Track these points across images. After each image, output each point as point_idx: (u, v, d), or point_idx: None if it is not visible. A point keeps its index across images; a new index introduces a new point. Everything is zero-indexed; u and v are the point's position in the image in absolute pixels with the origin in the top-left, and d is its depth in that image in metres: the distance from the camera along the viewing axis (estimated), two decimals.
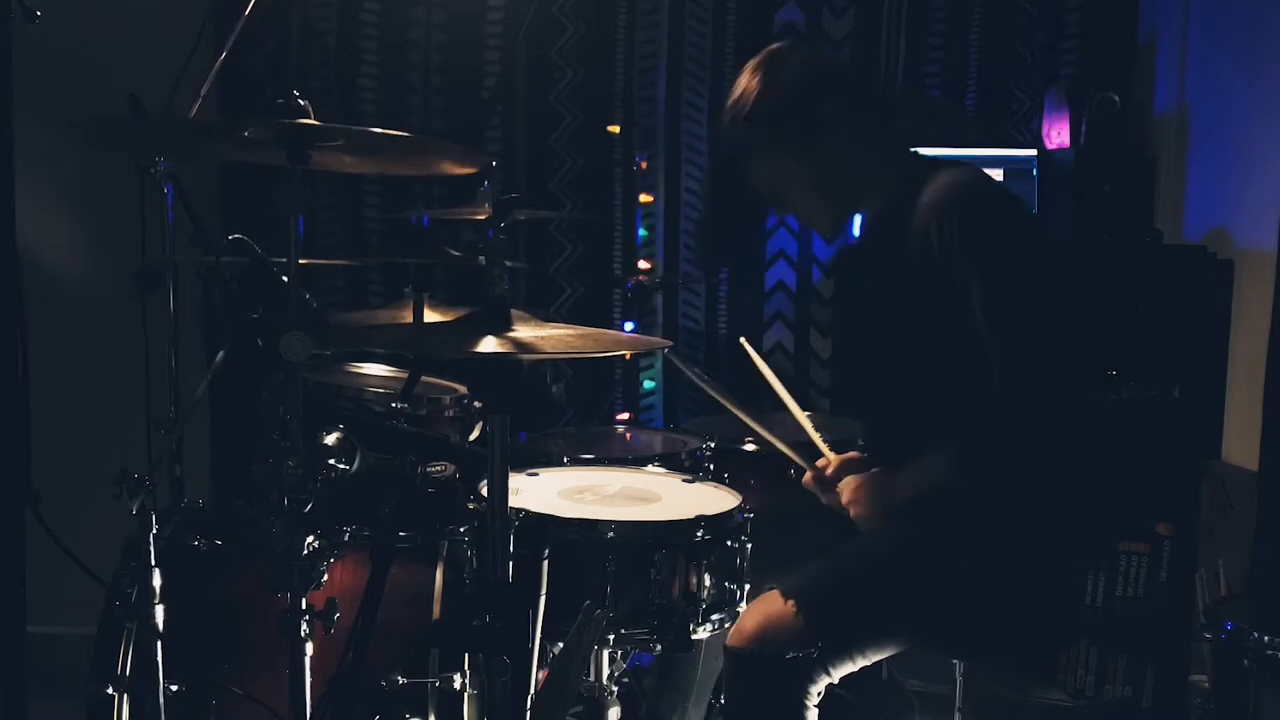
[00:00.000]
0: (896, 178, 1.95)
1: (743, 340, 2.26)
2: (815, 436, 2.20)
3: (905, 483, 1.93)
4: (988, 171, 1.99)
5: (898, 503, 1.93)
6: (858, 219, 2.15)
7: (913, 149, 2.03)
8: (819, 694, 1.82)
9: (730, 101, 1.99)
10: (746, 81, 1.96)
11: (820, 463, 2.12)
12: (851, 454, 2.10)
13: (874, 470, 2.00)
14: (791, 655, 1.78)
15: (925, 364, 1.95)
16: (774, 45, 2.02)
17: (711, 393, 2.18)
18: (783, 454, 2.16)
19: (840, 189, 1.99)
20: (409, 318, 2.33)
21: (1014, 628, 1.93)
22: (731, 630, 1.87)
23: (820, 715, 1.83)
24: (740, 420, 2.17)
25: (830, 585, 1.87)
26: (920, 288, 1.88)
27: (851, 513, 1.98)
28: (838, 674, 1.82)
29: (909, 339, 1.97)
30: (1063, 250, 1.91)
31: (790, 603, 1.82)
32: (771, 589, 1.87)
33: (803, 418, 2.23)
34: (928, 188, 1.87)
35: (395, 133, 1.59)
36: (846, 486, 2.00)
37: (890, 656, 1.89)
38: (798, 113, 1.93)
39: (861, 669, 1.86)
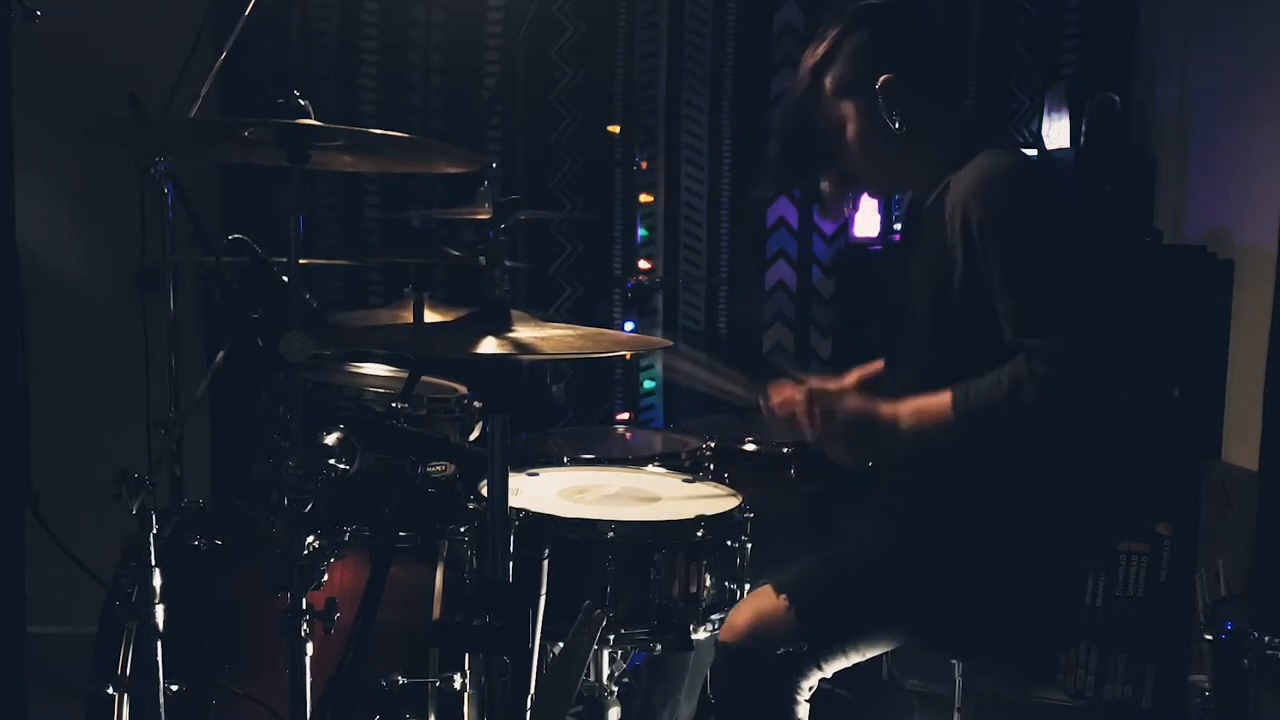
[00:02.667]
0: (948, 158, 1.90)
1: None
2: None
3: (901, 413, 1.82)
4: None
5: (879, 438, 1.82)
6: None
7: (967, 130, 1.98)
8: (810, 688, 1.82)
9: (820, 52, 1.94)
10: (841, 38, 1.92)
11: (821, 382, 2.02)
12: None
13: (864, 396, 1.92)
14: (783, 650, 1.79)
15: (945, 345, 1.92)
16: (890, 9, 1.95)
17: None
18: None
19: (903, 161, 1.95)
20: (409, 318, 2.33)
21: (1013, 627, 1.92)
22: (724, 625, 1.87)
23: (819, 715, 1.83)
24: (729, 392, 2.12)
25: (824, 580, 1.87)
26: (945, 268, 1.84)
27: (820, 434, 1.87)
28: (830, 669, 1.82)
29: (932, 318, 1.93)
30: (1097, 240, 1.85)
31: (783, 597, 1.82)
32: (765, 584, 1.88)
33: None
34: (965, 170, 1.84)
35: (395, 134, 1.59)
36: (826, 405, 1.88)
37: (889, 656, 1.89)
38: (884, 84, 1.89)
39: (858, 667, 1.86)
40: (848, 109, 1.93)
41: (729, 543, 1.92)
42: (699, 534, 1.88)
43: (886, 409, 1.84)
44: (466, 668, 1.91)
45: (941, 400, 1.78)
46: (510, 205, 1.57)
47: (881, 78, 1.89)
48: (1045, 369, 1.68)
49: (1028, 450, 1.86)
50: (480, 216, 2.55)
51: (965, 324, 1.83)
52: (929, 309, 1.88)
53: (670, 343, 1.77)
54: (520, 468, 2.18)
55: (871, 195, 2.06)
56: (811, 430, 1.89)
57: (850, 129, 1.94)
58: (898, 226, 3.27)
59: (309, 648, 1.61)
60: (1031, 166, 1.94)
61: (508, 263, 1.56)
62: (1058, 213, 1.83)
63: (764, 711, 1.82)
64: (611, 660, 2.01)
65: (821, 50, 1.95)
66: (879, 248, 3.33)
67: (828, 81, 1.94)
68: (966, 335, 1.83)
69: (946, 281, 1.83)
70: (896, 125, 1.89)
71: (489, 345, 1.48)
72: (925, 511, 1.90)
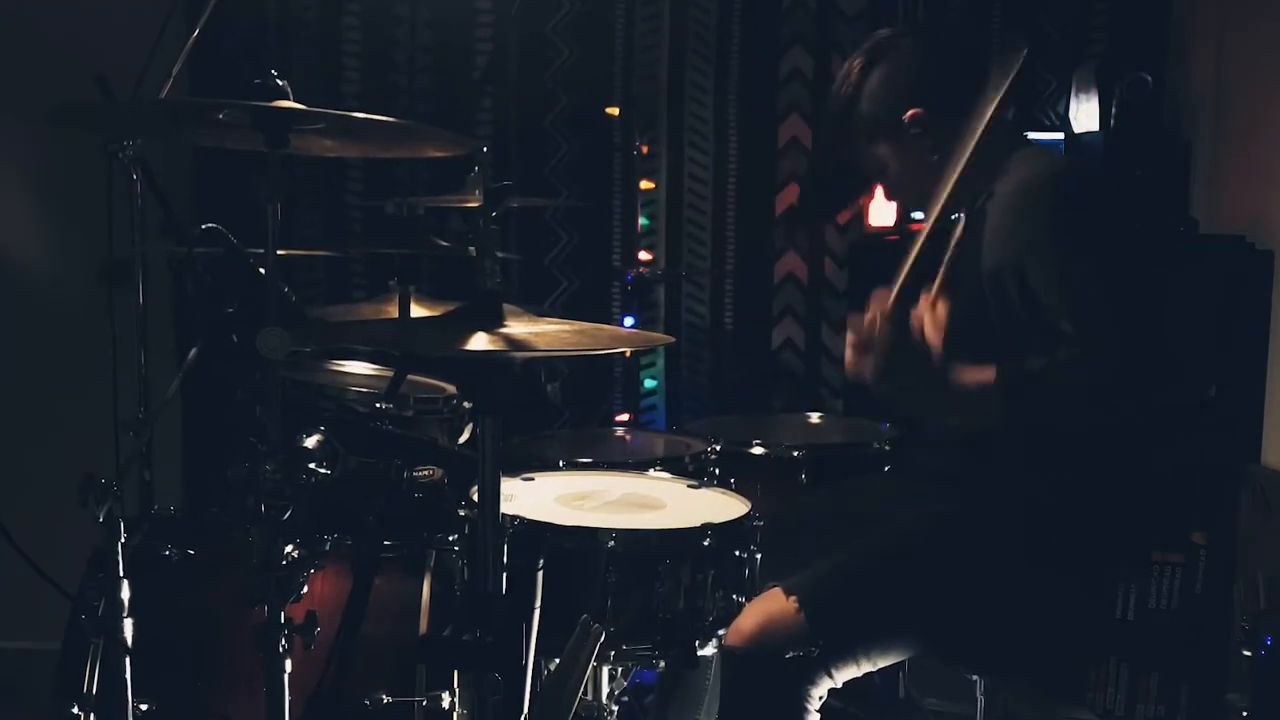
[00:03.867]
0: (992, 163, 1.95)
1: None
2: None
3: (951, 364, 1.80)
4: None
5: (927, 375, 1.81)
6: None
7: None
8: (820, 698, 1.82)
9: (842, 96, 2.02)
10: (860, 81, 1.99)
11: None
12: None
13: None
14: (791, 655, 1.79)
15: (974, 352, 1.94)
16: (903, 40, 2.03)
17: None
18: None
19: (948, 181, 1.98)
20: (394, 312, 2.33)
21: (1039, 641, 1.93)
22: (730, 629, 1.87)
23: None
24: None
25: (836, 582, 1.88)
26: (984, 278, 1.89)
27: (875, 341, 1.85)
28: (841, 677, 1.83)
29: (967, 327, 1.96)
30: (1131, 233, 1.89)
31: (792, 599, 1.83)
32: (774, 587, 1.88)
33: None
34: (1004, 181, 1.91)
35: (379, 117, 1.59)
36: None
37: (905, 673, 1.90)
38: (912, 119, 1.96)
39: (873, 684, 1.87)
40: (882, 149, 2.01)
41: (737, 553, 1.91)
42: (705, 543, 1.87)
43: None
44: (455, 686, 1.90)
45: (987, 369, 1.81)
46: (502, 191, 1.56)
47: (908, 113, 1.96)
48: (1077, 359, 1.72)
49: (1057, 455, 1.87)
50: (470, 204, 2.55)
51: (999, 333, 1.87)
52: (963, 317, 1.90)
53: (673, 339, 1.76)
54: (514, 472, 2.17)
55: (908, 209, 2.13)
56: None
57: (890, 166, 2.02)
58: (916, 216, 3.27)
59: (287, 664, 1.60)
60: (1067, 171, 1.97)
61: (499, 254, 1.56)
62: (1095, 218, 1.86)
63: (773, 716, 1.82)
64: (611, 678, 2.01)
65: (844, 94, 2.02)
66: (895, 238, 3.32)
67: (857, 126, 2.01)
68: (994, 345, 1.86)
69: (981, 290, 1.88)
70: (934, 158, 1.95)
71: (479, 342, 1.48)
72: (947, 517, 1.90)
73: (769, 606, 1.85)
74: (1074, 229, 1.83)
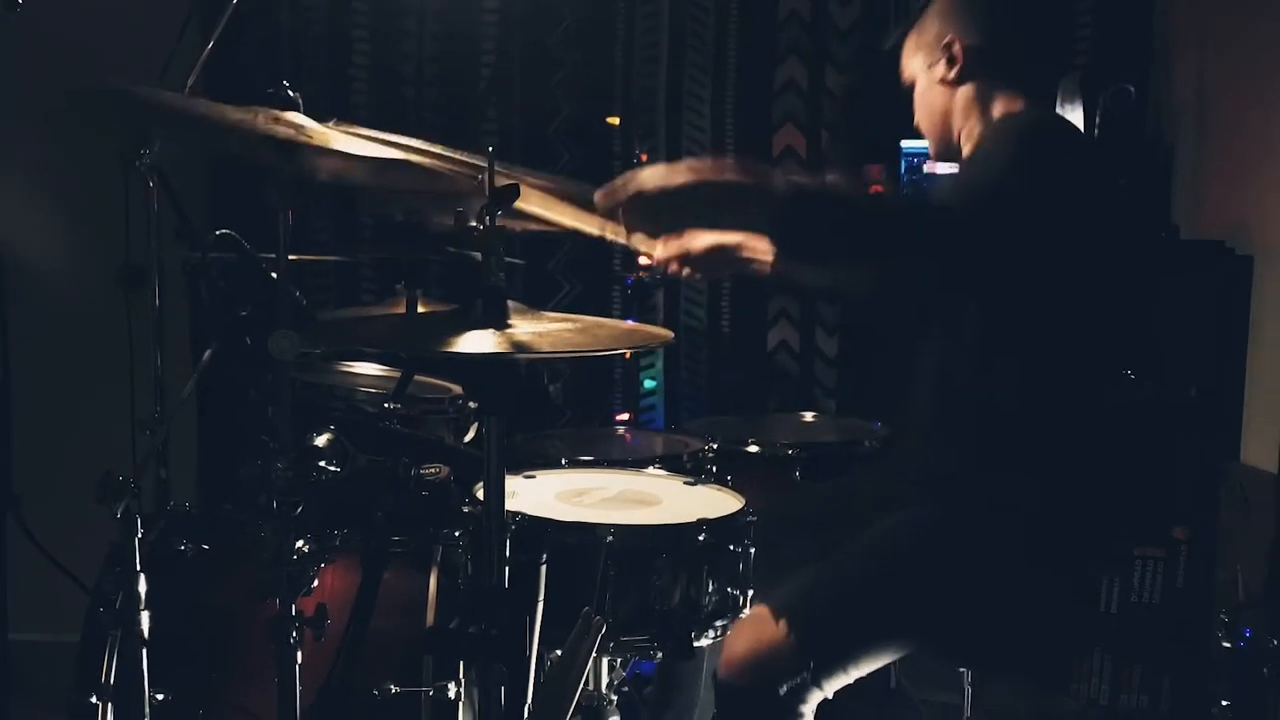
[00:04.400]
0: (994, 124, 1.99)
1: None
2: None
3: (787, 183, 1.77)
4: None
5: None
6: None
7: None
8: (811, 712, 1.80)
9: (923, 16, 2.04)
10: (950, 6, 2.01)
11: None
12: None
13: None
14: (785, 689, 1.76)
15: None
16: None
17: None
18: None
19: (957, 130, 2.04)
20: None
21: (1025, 634, 1.92)
22: (721, 657, 1.85)
23: None
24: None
25: (823, 599, 1.85)
26: None
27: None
28: (831, 688, 1.81)
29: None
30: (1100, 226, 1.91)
31: (782, 623, 1.79)
32: (760, 607, 1.85)
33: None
34: (996, 130, 1.94)
35: (388, 137, 1.58)
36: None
37: (897, 665, 1.89)
38: (979, 55, 1.97)
39: (865, 677, 1.86)
40: (915, 63, 2.04)
41: (732, 547, 1.92)
42: (701, 538, 1.88)
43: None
44: (461, 676, 1.91)
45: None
46: (507, 191, 1.57)
47: (948, 38, 1.97)
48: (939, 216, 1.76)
49: (1041, 453, 1.87)
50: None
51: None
52: None
53: (671, 335, 1.76)
54: (517, 470, 2.18)
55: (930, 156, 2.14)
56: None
57: (916, 83, 2.05)
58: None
59: (299, 656, 1.61)
60: (1061, 126, 1.99)
61: (505, 259, 1.56)
62: (1057, 169, 1.86)
63: None
64: (611, 669, 2.01)
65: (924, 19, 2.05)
66: None
67: (914, 30, 2.05)
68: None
69: None
70: (950, 93, 1.98)
71: (485, 343, 1.48)
72: (931, 520, 1.90)
73: (760, 633, 1.81)
74: (1035, 166, 1.83)
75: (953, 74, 1.98)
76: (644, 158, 3.41)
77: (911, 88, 2.08)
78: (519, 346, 1.50)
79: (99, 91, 1.60)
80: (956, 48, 1.96)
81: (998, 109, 1.98)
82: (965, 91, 1.99)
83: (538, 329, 1.59)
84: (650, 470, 2.29)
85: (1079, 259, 1.84)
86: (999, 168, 1.84)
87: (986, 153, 1.93)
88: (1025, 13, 2.05)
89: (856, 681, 1.84)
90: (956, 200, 1.83)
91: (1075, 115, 3.18)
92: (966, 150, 2.02)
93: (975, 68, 1.97)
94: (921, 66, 2.03)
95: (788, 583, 1.87)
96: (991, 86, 1.97)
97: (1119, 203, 2.24)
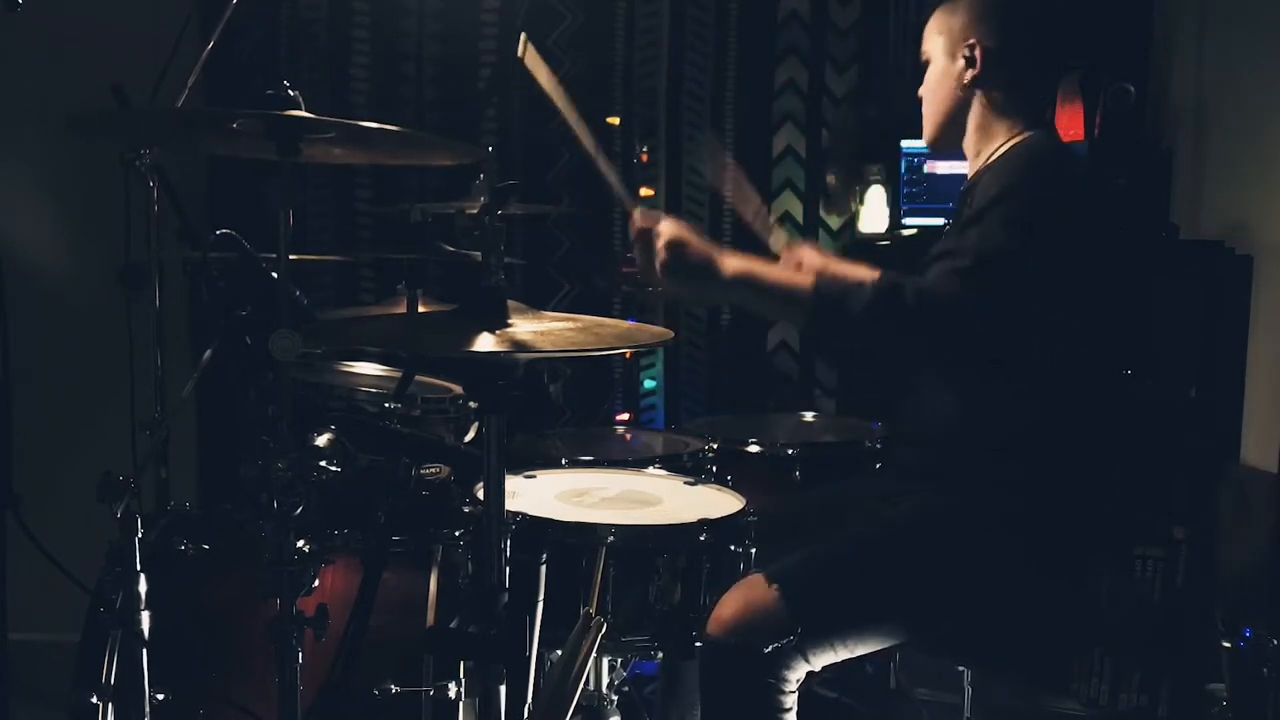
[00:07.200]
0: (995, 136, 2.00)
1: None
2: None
3: (740, 268, 1.85)
4: None
5: (724, 275, 1.84)
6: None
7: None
8: (797, 680, 1.80)
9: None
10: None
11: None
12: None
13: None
14: (771, 648, 1.76)
15: None
16: None
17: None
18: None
19: (961, 124, 2.04)
20: None
21: (1024, 633, 1.93)
22: (711, 615, 1.85)
23: None
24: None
25: (816, 568, 1.86)
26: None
27: (662, 261, 1.87)
28: (818, 662, 1.80)
29: None
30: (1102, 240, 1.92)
31: (774, 587, 1.79)
32: (755, 574, 1.86)
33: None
34: (1001, 154, 1.95)
35: (389, 127, 1.59)
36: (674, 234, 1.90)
37: (897, 664, 1.89)
38: (995, 55, 1.97)
39: (865, 676, 1.86)
40: (933, 45, 2.04)
41: (732, 547, 1.92)
42: (701, 538, 1.88)
43: (730, 262, 1.86)
44: (462, 676, 1.91)
45: (802, 278, 1.86)
46: (506, 190, 1.56)
47: (971, 39, 1.97)
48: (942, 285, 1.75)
49: (1040, 453, 1.87)
50: (475, 210, 2.55)
51: None
52: None
53: (671, 333, 1.76)
54: (517, 470, 2.18)
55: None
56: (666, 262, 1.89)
57: (930, 70, 2.05)
58: (907, 221, 3.28)
59: (299, 655, 1.61)
60: (1064, 155, 2.01)
61: (505, 259, 1.56)
62: (1059, 200, 1.87)
63: (749, 706, 1.80)
64: (611, 669, 2.01)
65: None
66: (887, 243, 3.32)
67: (941, 14, 2.04)
68: None
69: None
70: (959, 93, 1.99)
71: (485, 343, 1.48)
72: (930, 511, 1.90)
73: (751, 595, 1.82)
74: (1036, 194, 1.85)
75: (969, 77, 1.98)
76: (644, 158, 3.41)
77: (923, 65, 2.08)
78: (519, 346, 1.50)
79: (101, 114, 1.59)
80: (978, 50, 1.96)
81: (1004, 133, 1.98)
82: (978, 105, 1.99)
83: (538, 328, 1.59)
84: (650, 470, 2.29)
85: (1080, 276, 1.86)
86: (1004, 234, 1.80)
87: (990, 203, 1.85)
88: (1044, 27, 2.05)
89: (857, 681, 1.84)
90: (964, 289, 1.77)
91: (1074, 116, 3.18)
92: (972, 170, 2.02)
93: (991, 74, 1.97)
94: (940, 51, 2.03)
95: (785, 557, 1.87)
96: (1005, 101, 1.98)
97: (1116, 211, 2.24)
